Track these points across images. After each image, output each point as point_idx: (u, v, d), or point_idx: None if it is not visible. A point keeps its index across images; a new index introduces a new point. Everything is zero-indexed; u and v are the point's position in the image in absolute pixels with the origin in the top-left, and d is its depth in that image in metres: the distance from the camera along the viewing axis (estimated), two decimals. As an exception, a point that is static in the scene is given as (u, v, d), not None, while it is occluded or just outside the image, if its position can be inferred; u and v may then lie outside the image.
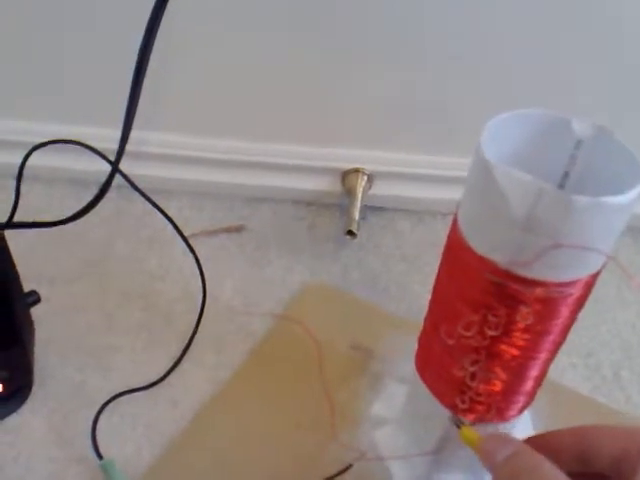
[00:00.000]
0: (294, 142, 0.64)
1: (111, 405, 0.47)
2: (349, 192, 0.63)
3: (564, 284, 0.31)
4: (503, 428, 0.40)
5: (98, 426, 0.46)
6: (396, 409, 0.46)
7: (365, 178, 0.63)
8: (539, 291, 0.31)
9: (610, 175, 0.31)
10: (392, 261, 0.60)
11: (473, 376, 0.35)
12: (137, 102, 0.41)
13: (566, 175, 0.34)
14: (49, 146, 0.51)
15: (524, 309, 0.32)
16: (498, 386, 0.36)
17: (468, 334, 0.34)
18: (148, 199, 0.51)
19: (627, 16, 0.55)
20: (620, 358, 0.53)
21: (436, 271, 0.37)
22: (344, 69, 0.59)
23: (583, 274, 0.31)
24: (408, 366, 0.46)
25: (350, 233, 0.59)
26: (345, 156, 0.64)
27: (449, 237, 0.35)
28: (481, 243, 0.32)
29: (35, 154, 0.49)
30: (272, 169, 0.64)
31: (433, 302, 0.38)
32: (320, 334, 0.52)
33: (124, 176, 0.46)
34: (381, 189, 0.64)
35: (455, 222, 0.34)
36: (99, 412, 0.46)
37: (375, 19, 0.56)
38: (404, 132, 0.63)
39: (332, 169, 0.64)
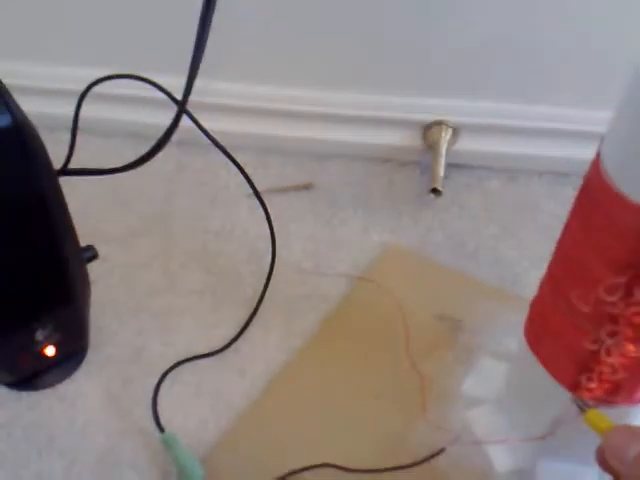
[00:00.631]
0: (367, 91, 0.57)
1: (173, 373, 0.43)
2: (431, 147, 0.57)
3: None
4: (632, 412, 0.34)
5: (159, 396, 0.42)
6: (492, 388, 0.41)
7: (450, 131, 0.57)
8: None
9: None
10: (480, 224, 0.54)
11: (609, 350, 0.29)
12: (207, 36, 0.36)
13: None
14: (108, 93, 0.47)
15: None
16: (632, 360, 0.30)
17: (611, 299, 0.27)
18: (219, 146, 0.46)
19: None
20: None
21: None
22: (419, 7, 0.52)
23: None
24: (506, 340, 0.41)
25: (435, 191, 0.53)
26: (426, 107, 0.57)
27: (587, 183, 0.29)
28: (636, 188, 0.25)
29: (93, 104, 0.44)
30: (343, 121, 0.59)
31: (558, 262, 0.32)
32: (402, 300, 0.46)
33: (191, 117, 0.41)
34: (467, 144, 0.58)
35: (597, 164, 0.28)
36: (160, 380, 0.42)
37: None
38: (492, 78, 0.56)
39: (412, 122, 0.58)
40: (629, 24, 0.50)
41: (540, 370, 0.34)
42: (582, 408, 0.32)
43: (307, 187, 0.57)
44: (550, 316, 0.33)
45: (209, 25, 0.36)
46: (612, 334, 0.29)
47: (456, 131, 0.57)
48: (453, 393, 0.41)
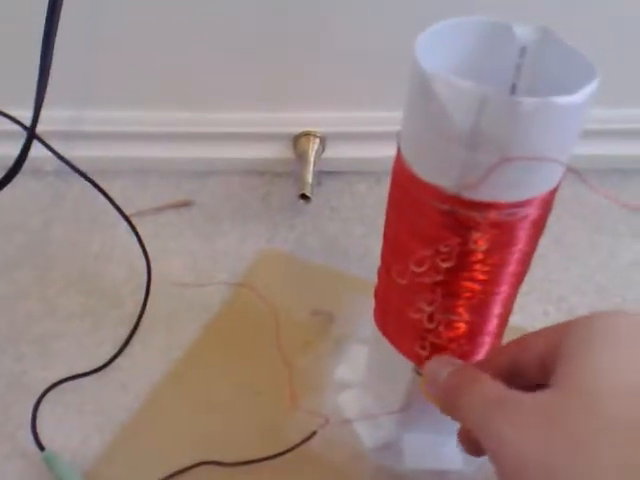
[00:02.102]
0: (238, 109, 0.60)
1: (55, 394, 0.44)
2: (301, 157, 0.60)
3: (518, 204, 0.28)
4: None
5: (42, 417, 0.42)
6: (360, 371, 0.44)
7: (317, 141, 0.60)
8: (492, 215, 0.29)
9: (561, 81, 0.28)
10: (350, 224, 0.58)
11: (431, 318, 0.33)
12: (51, 55, 0.37)
13: (514, 88, 0.31)
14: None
15: (477, 235, 0.29)
16: (460, 327, 0.33)
17: (420, 270, 0.31)
18: (85, 177, 0.48)
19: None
20: (593, 300, 0.51)
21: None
22: (280, 29, 0.56)
23: (538, 191, 0.29)
24: (370, 326, 0.44)
25: (304, 197, 0.56)
26: (294, 120, 0.60)
27: (394, 170, 0.32)
28: (425, 168, 0.29)
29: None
30: (217, 139, 0.61)
31: (384, 246, 0.35)
32: (278, 301, 0.49)
33: (41, 141, 0.42)
34: (335, 152, 0.61)
35: (398, 151, 0.31)
36: (39, 401, 0.42)
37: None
38: (352, 89, 0.60)
39: (282, 135, 0.61)
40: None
41: (390, 347, 0.37)
42: (421, 375, 0.35)
43: (186, 204, 0.59)
44: (386, 295, 0.36)
45: (52, 48, 0.38)
46: (430, 302, 0.32)
47: (323, 140, 0.60)
48: (326, 381, 0.44)
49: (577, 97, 0.26)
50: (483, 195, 0.28)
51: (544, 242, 0.54)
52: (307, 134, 0.60)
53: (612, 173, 0.62)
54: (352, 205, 0.59)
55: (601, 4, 0.55)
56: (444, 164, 0.28)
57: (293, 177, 0.61)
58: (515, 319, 0.48)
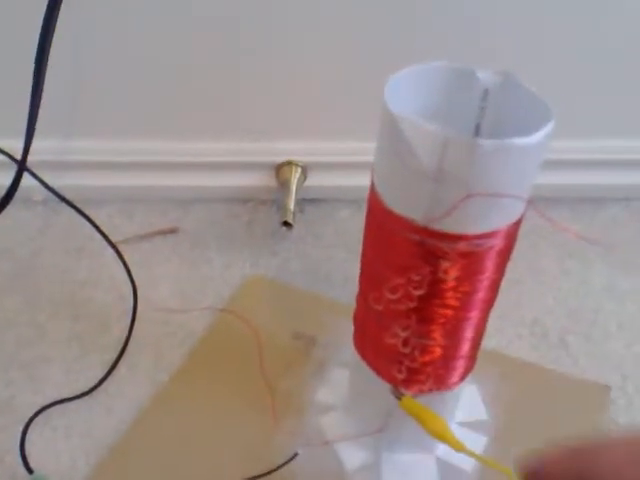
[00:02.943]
0: (222, 139, 0.62)
1: (43, 418, 0.45)
2: (284, 185, 0.62)
3: (484, 235, 0.31)
4: (448, 398, 0.39)
5: (31, 440, 0.43)
6: (341, 394, 0.45)
7: (299, 170, 0.62)
8: (460, 245, 0.31)
9: (520, 121, 0.31)
10: (333, 250, 0.59)
11: (406, 342, 0.34)
12: (41, 92, 0.39)
13: (478, 127, 0.33)
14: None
15: (446, 264, 0.31)
16: (434, 351, 0.35)
17: (394, 297, 0.33)
18: (72, 206, 0.49)
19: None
20: (566, 324, 0.53)
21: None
22: (263, 63, 0.58)
23: (502, 224, 0.31)
24: (350, 350, 0.45)
25: (286, 224, 0.58)
26: (276, 149, 0.63)
27: (368, 202, 0.34)
28: (397, 202, 0.31)
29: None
30: (202, 168, 0.63)
31: (361, 274, 0.37)
32: (261, 326, 0.50)
33: (32, 174, 0.44)
34: (317, 180, 0.63)
35: (372, 185, 0.33)
36: (27, 425, 0.43)
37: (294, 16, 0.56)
38: (332, 120, 0.62)
39: (265, 164, 0.63)
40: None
41: (369, 370, 0.39)
42: (398, 397, 0.37)
43: (172, 231, 0.61)
44: (362, 320, 0.38)
45: (42, 87, 0.40)
46: (405, 327, 0.34)
47: (305, 169, 0.62)
48: (307, 403, 0.46)
49: (533, 139, 0.28)
50: (451, 227, 0.30)
51: (519, 268, 0.57)
52: (289, 163, 0.62)
53: (583, 202, 0.65)
54: (334, 232, 0.61)
55: (563, 43, 0.58)
56: (413, 198, 0.30)
57: (276, 205, 0.63)
58: (491, 343, 0.50)
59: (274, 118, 0.62)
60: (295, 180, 0.61)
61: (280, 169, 0.62)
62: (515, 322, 0.53)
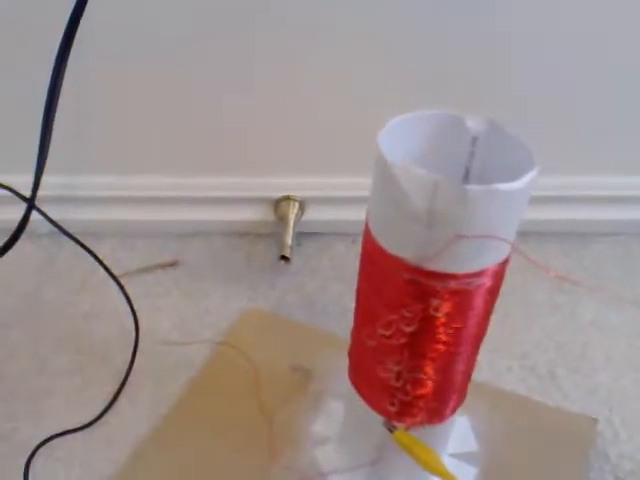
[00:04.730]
0: (221, 174, 0.64)
1: (46, 450, 0.46)
2: (282, 220, 0.64)
3: (473, 274, 0.32)
4: (440, 430, 0.40)
5: (33, 472, 0.44)
6: (336, 426, 0.46)
7: (297, 205, 0.64)
8: (450, 284, 0.32)
9: (507, 167, 0.32)
10: (329, 283, 0.61)
11: (398, 376, 0.36)
12: (50, 132, 0.41)
13: (467, 172, 0.35)
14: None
15: (437, 302, 0.32)
16: (427, 385, 0.36)
17: (387, 333, 0.34)
18: (75, 240, 0.51)
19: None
20: (554, 357, 0.54)
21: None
22: (261, 101, 0.61)
23: (490, 263, 0.32)
24: (345, 382, 0.47)
25: (284, 258, 0.59)
26: (275, 185, 0.65)
27: (363, 241, 0.36)
28: (390, 242, 0.33)
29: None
30: (202, 203, 0.65)
31: (356, 309, 0.39)
32: (259, 358, 0.51)
33: (40, 212, 0.46)
34: (314, 214, 0.65)
35: (367, 225, 0.35)
36: (31, 456, 0.44)
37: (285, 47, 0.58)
38: (329, 157, 0.64)
39: (264, 199, 0.65)
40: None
41: (363, 403, 0.40)
42: (391, 430, 0.38)
43: (173, 264, 0.63)
44: (356, 354, 0.39)
45: (52, 122, 0.42)
46: (397, 362, 0.35)
47: (302, 204, 0.64)
48: (303, 435, 0.47)
49: (518, 184, 0.30)
50: (442, 267, 0.32)
51: (509, 302, 0.58)
52: (287, 198, 0.64)
53: (572, 236, 0.67)
54: (330, 265, 0.63)
55: (550, 81, 0.60)
56: (405, 239, 0.32)
57: (274, 239, 0.65)
58: (482, 376, 0.51)
59: (272, 154, 0.64)
60: (293, 215, 0.63)
61: (278, 204, 0.64)
62: (506, 355, 0.54)
